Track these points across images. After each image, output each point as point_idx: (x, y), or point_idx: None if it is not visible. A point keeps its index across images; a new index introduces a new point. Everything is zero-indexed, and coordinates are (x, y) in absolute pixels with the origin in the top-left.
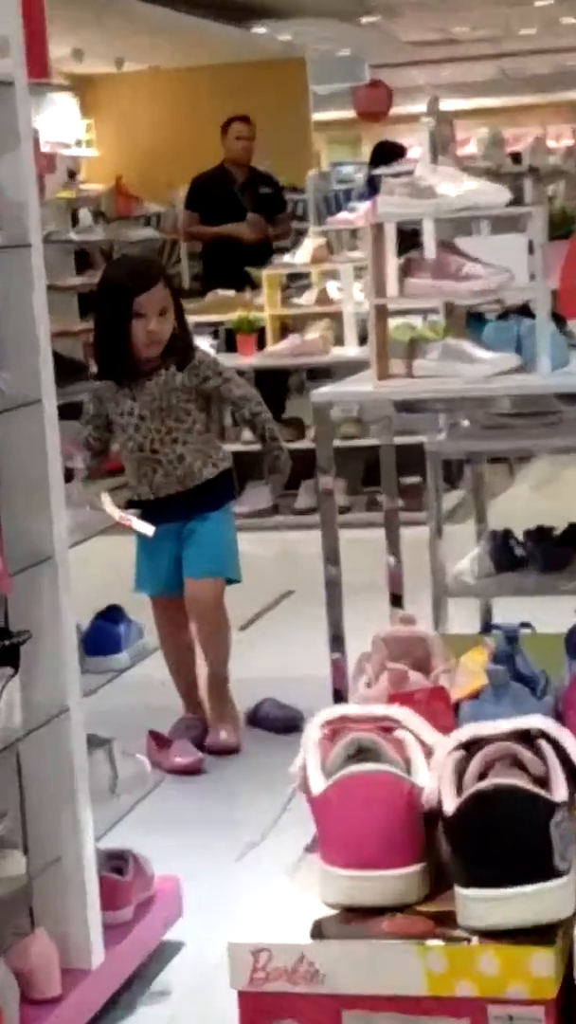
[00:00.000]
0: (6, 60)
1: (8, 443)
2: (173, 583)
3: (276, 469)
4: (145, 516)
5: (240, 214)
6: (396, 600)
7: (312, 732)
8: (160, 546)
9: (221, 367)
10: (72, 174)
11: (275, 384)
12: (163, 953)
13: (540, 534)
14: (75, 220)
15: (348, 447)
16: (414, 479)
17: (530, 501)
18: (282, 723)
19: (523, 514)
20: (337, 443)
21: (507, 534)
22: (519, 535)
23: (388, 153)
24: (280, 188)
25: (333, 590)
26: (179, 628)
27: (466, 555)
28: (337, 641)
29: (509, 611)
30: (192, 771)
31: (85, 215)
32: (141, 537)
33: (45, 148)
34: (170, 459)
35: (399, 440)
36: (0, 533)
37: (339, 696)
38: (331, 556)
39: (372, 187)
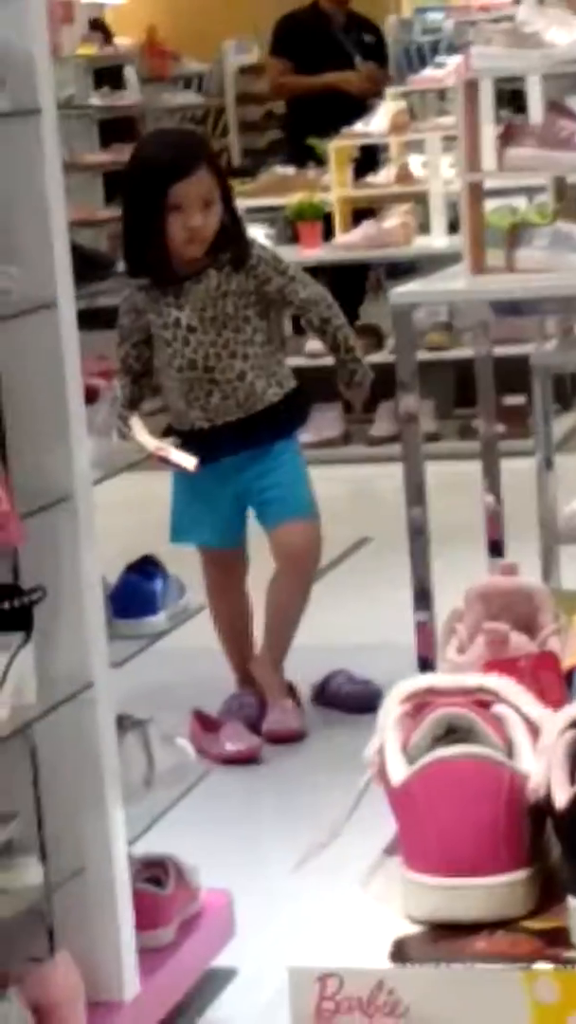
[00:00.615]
0: None
1: (17, 356)
2: (233, 529)
3: (353, 384)
4: (199, 448)
5: (342, 63)
6: (495, 548)
7: (391, 708)
8: (216, 484)
9: (283, 264)
10: (95, 25)
11: (348, 283)
12: (211, 982)
13: None
14: (100, 82)
15: (436, 360)
16: (518, 399)
17: None
18: (356, 700)
19: None
20: (422, 355)
21: None
22: None
23: None
24: (383, 39)
25: (418, 537)
26: (236, 583)
27: None
28: (423, 599)
29: None
30: (246, 760)
31: (130, 73)
32: (181, 473)
33: None
34: (229, 378)
35: (499, 351)
36: (6, 468)
37: (426, 666)
38: (415, 495)
39: None
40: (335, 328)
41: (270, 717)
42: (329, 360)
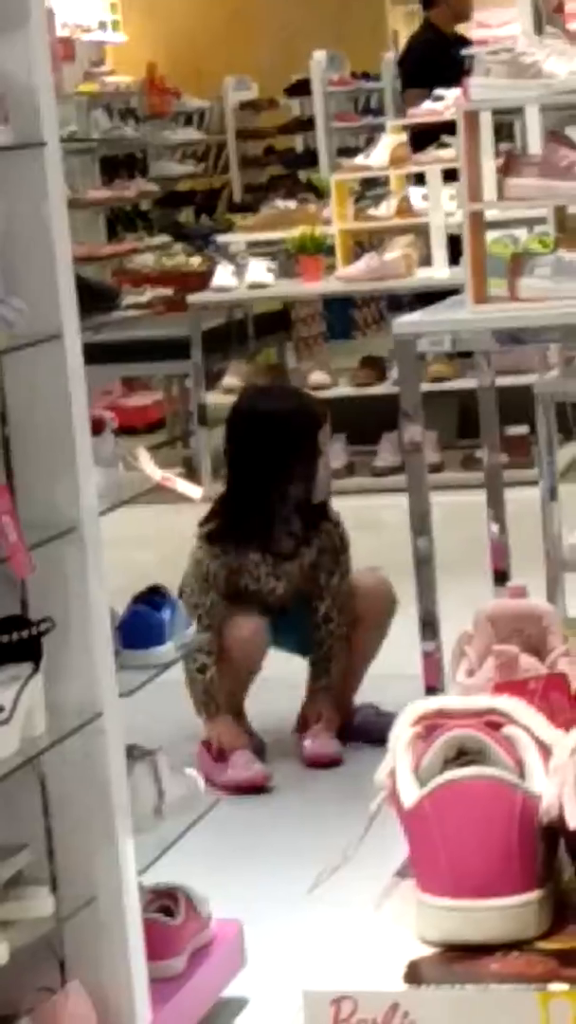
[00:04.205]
0: None
1: (24, 388)
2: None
3: (316, 688)
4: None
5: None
6: (501, 577)
7: (402, 730)
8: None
9: (348, 552)
10: (95, 64)
11: None
12: (223, 1011)
13: None
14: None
15: (439, 391)
16: (521, 429)
17: None
18: (379, 733)
19: None
20: (426, 386)
21: None
22: None
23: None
24: None
25: (424, 567)
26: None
27: None
28: (429, 629)
29: None
30: (255, 788)
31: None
32: None
33: (61, 32)
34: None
35: (502, 381)
36: (13, 499)
37: (433, 695)
38: (420, 525)
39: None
40: (328, 632)
41: (309, 743)
42: (333, 391)
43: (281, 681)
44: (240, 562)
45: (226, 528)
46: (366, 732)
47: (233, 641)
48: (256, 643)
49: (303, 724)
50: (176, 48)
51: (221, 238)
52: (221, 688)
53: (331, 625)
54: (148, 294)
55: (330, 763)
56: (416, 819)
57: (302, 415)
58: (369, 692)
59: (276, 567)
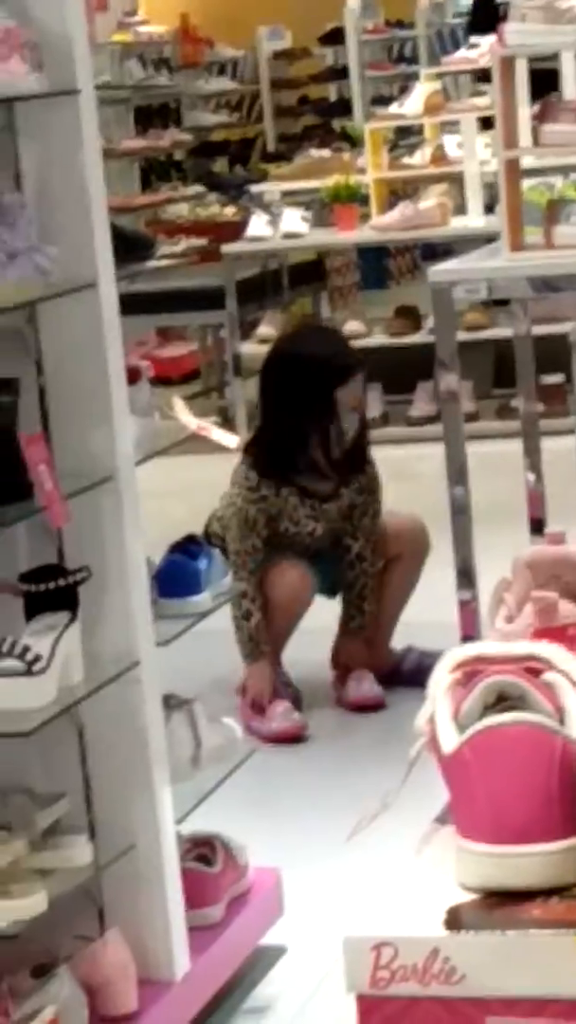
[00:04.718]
0: None
1: (59, 337)
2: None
3: (349, 630)
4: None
5: None
6: (537, 526)
7: (442, 677)
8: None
9: (380, 492)
10: (128, 13)
11: None
12: (261, 960)
13: None
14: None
15: (475, 340)
16: (557, 378)
17: None
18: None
19: None
20: (461, 335)
21: None
22: None
23: None
24: None
25: (460, 517)
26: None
27: None
28: (466, 578)
29: None
30: (292, 738)
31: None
32: None
33: None
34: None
35: (538, 329)
36: (50, 448)
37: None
38: (457, 475)
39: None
40: (362, 571)
41: (354, 688)
42: (367, 341)
43: (313, 630)
44: (280, 508)
45: (267, 469)
46: (418, 675)
47: (279, 588)
48: (303, 589)
49: (336, 665)
50: None
51: (255, 188)
52: (266, 634)
53: (364, 564)
54: (182, 244)
55: (375, 707)
56: (456, 765)
57: (341, 357)
58: (405, 641)
59: (316, 508)
